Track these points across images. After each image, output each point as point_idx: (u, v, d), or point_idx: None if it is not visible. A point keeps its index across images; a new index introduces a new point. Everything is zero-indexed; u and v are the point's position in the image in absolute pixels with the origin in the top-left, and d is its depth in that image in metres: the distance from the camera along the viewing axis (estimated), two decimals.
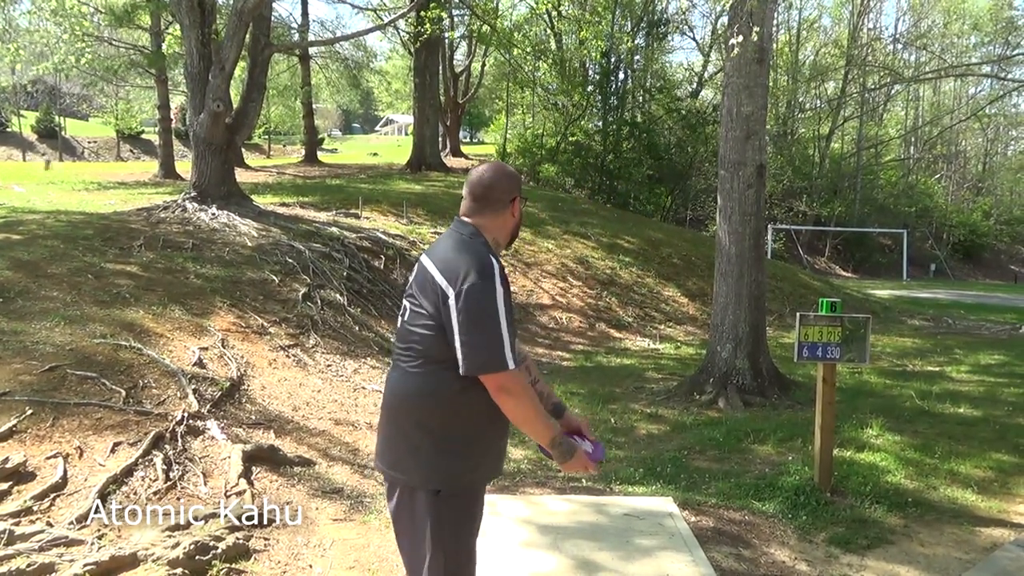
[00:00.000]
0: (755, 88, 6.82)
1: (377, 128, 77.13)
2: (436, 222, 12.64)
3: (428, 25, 14.42)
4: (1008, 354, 9.62)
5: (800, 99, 37.57)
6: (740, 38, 5.50)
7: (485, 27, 20.71)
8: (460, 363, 1.77)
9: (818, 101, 38.41)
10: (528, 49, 25.29)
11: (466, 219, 1.99)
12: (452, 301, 1.77)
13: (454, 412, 1.84)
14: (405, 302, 1.94)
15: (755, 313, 6.89)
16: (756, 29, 5.99)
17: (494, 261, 1.86)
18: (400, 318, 1.95)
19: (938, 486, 4.40)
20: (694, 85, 32.14)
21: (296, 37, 24.97)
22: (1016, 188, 46.21)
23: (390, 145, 49.30)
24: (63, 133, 43.71)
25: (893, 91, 38.65)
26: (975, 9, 41.67)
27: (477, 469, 1.90)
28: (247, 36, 10.63)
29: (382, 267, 9.47)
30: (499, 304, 1.79)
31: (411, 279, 1.97)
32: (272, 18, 13.78)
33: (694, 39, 39.56)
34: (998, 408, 6.37)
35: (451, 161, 26.44)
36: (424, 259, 1.95)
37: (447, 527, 1.85)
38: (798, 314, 4.20)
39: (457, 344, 1.77)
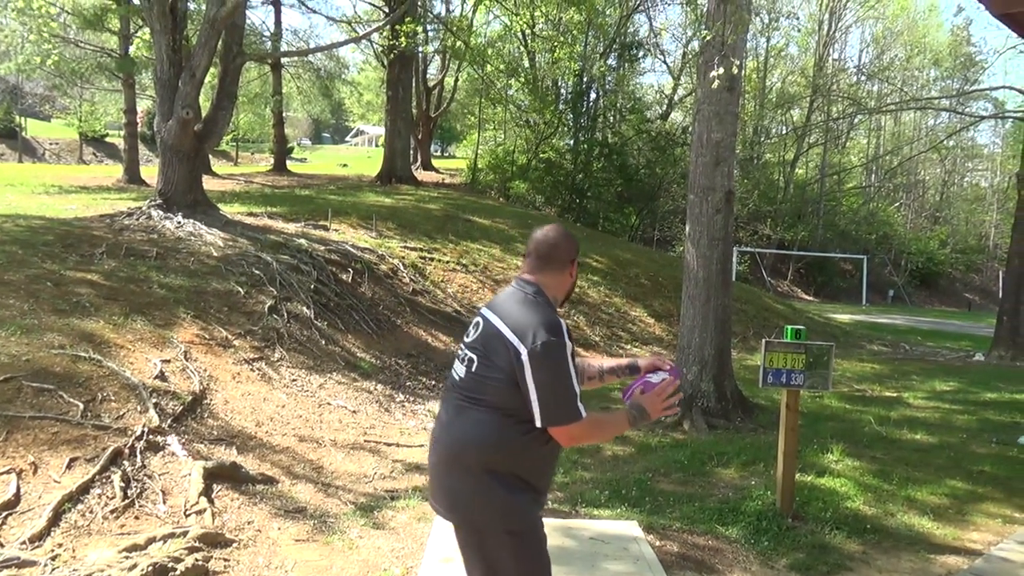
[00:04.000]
0: (725, 116, 6.96)
1: (348, 139, 76.78)
2: (406, 236, 12.61)
3: (403, 39, 14.47)
4: (962, 381, 9.89)
5: (767, 124, 38.45)
6: (719, 71, 5.61)
7: (459, 43, 20.82)
8: (537, 417, 1.89)
9: (784, 128, 39.37)
10: (501, 66, 25.47)
11: (529, 278, 2.12)
12: (525, 358, 1.88)
13: (522, 456, 1.95)
14: (470, 353, 2.02)
15: (721, 336, 6.99)
16: (735, 62, 6.12)
17: (560, 320, 1.97)
18: (464, 367, 2.03)
19: (896, 512, 4.49)
20: (664, 107, 32.69)
21: (269, 46, 24.81)
22: (971, 218, 47.79)
23: (360, 156, 49.08)
24: (23, 134, 42.68)
25: (856, 120, 39.83)
26: (936, 44, 43.22)
27: (540, 502, 2.04)
28: (219, 44, 10.56)
29: (350, 281, 9.40)
30: (569, 360, 1.92)
31: (474, 332, 2.06)
32: (245, 26, 13.68)
33: (665, 62, 40.36)
34: (953, 435, 6.54)
35: (422, 175, 26.44)
36: (488, 314, 2.05)
37: (532, 561, 1.98)
38: (764, 341, 4.27)
39: (533, 399, 1.88)
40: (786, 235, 34.93)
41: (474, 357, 2.00)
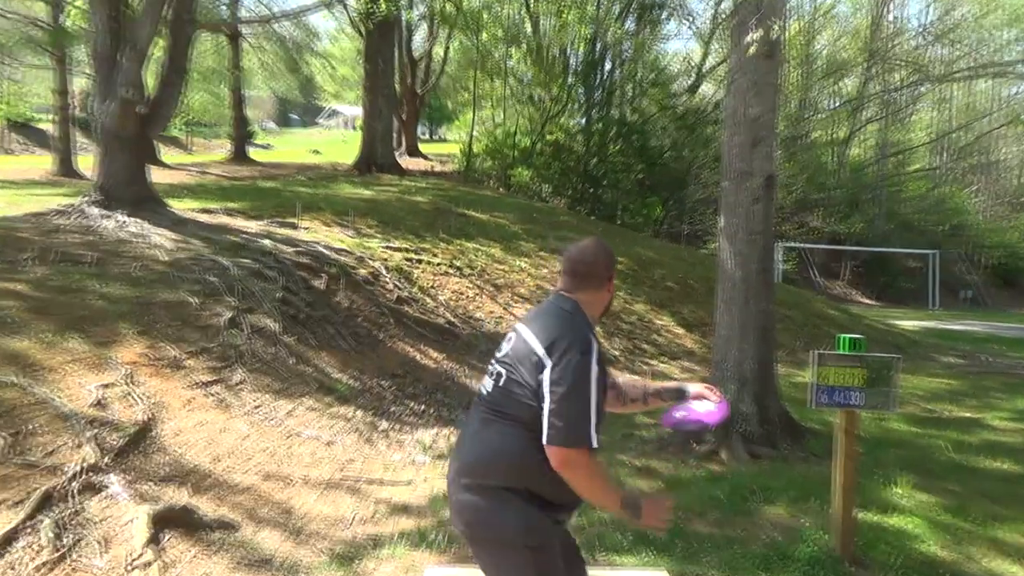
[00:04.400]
0: (764, 87, 6.94)
1: (319, 120, 76.98)
2: (389, 234, 12.61)
3: (383, 3, 14.54)
4: None
5: (814, 97, 38.42)
6: (752, 35, 5.60)
7: (449, 6, 20.91)
8: (544, 433, 2.10)
9: (835, 101, 39.32)
10: (499, 33, 25.60)
11: (567, 295, 2.37)
12: (548, 372, 2.13)
13: (541, 473, 2.15)
14: (499, 368, 2.30)
15: (763, 348, 6.96)
16: (775, 24, 6.11)
17: (593, 340, 2.20)
18: (492, 380, 2.32)
19: (976, 556, 4.46)
20: (692, 78, 32.70)
21: (225, 12, 24.92)
22: None
23: (334, 141, 49.23)
24: None
25: (920, 91, 39.74)
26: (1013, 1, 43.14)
27: (560, 519, 2.30)
28: (166, 11, 10.62)
29: (323, 288, 9.39)
30: (592, 382, 2.12)
31: (506, 346, 2.35)
32: None
33: (692, 25, 40.38)
34: None
35: (407, 162, 26.52)
36: (522, 328, 2.32)
37: (551, 573, 2.24)
38: (814, 353, 4.25)
39: (545, 413, 2.11)
40: (839, 227, 34.86)
41: (503, 371, 2.28)
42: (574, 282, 2.38)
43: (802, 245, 33.42)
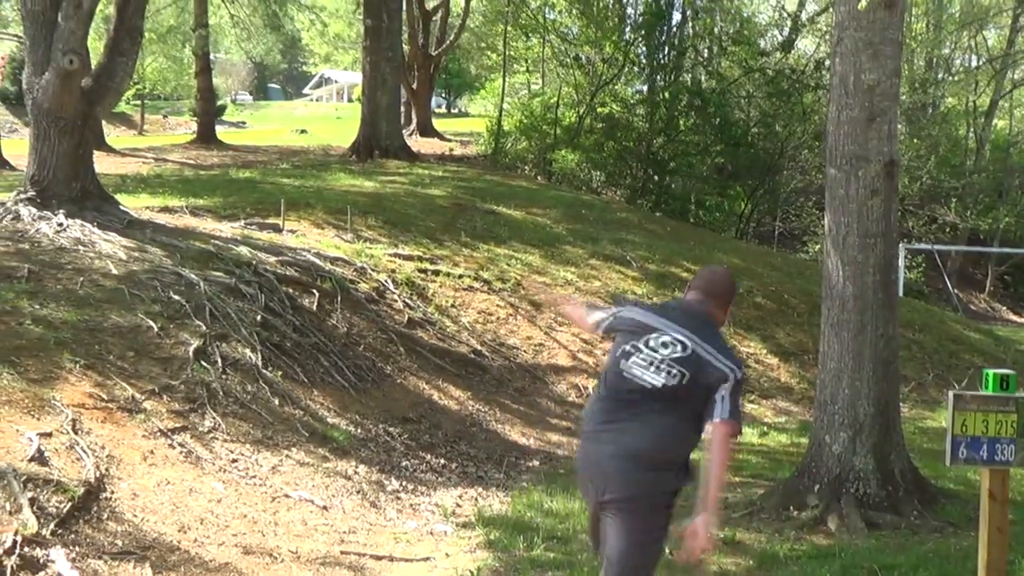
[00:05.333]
0: (882, 46, 6.91)
1: (306, 91, 77.77)
2: (397, 238, 12.73)
3: None
4: None
5: (946, 54, 38.02)
6: None
7: None
8: (725, 413, 3.42)
9: (974, 58, 38.84)
10: None
11: (709, 309, 3.71)
12: (731, 382, 3.45)
13: (692, 449, 3.59)
14: (679, 368, 3.47)
15: (883, 385, 6.91)
16: None
17: None
18: (668, 377, 3.47)
19: None
20: (786, 32, 32.59)
21: None
22: None
23: (326, 117, 49.72)
24: None
25: None
26: None
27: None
28: None
29: (315, 308, 9.50)
30: None
31: (676, 351, 3.51)
32: None
33: None
34: None
35: (419, 143, 26.72)
36: (689, 338, 3.52)
37: (672, 511, 3.57)
38: (951, 394, 4.23)
39: (727, 405, 3.43)
40: (981, 223, 34.31)
41: (685, 373, 3.44)
42: (711, 301, 3.71)
43: (932, 247, 32.96)
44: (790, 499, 6.84)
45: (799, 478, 7.02)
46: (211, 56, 31.49)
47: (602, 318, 3.94)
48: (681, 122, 24.86)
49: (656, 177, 25.04)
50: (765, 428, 10.10)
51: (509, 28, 29.16)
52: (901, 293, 17.44)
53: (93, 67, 10.85)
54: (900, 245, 23.78)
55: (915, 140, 32.65)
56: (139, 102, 44.52)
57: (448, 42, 32.93)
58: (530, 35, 29.10)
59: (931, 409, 10.97)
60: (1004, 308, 34.62)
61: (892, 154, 7.01)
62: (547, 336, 11.18)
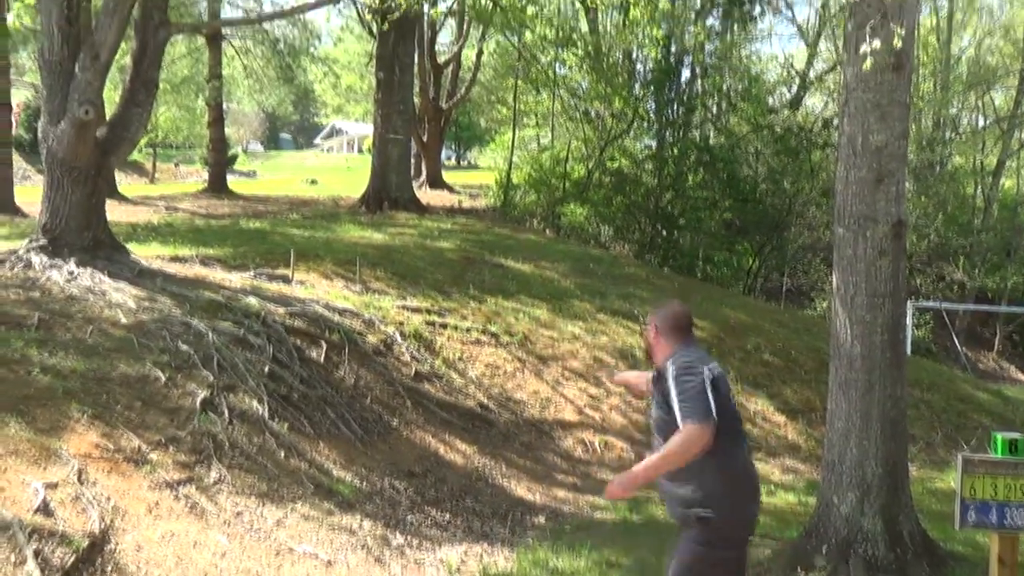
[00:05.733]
0: (890, 108, 6.97)
1: (317, 141, 78.45)
2: (405, 290, 12.77)
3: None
4: None
5: (953, 113, 38.27)
6: (874, 43, 5.65)
7: (483, 0, 21.32)
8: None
9: (981, 118, 39.07)
10: (547, 32, 25.92)
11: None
12: None
13: None
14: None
15: (891, 445, 6.88)
16: (900, 30, 6.11)
17: None
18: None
19: None
20: (794, 89, 32.88)
21: (204, 10, 25.73)
22: None
23: (336, 168, 50.12)
24: None
25: None
26: None
27: None
28: (134, 10, 10.94)
29: (323, 360, 9.52)
30: None
31: (725, 387, 4.20)
32: None
33: (794, 21, 40.53)
34: None
35: (428, 195, 26.90)
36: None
37: None
38: (959, 456, 4.23)
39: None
40: (989, 281, 34.33)
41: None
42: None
43: (940, 305, 32.92)
44: (798, 560, 6.79)
45: (807, 539, 6.97)
46: (224, 106, 31.78)
47: (705, 384, 4.05)
48: (690, 177, 24.98)
49: (664, 232, 25.11)
50: (772, 487, 10.03)
51: (520, 82, 29.44)
52: (909, 352, 17.41)
53: (108, 117, 10.98)
54: (908, 303, 23.78)
55: (923, 198, 32.77)
56: (151, 150, 44.97)
57: (459, 95, 33.33)
58: (540, 90, 29.36)
59: (940, 470, 10.89)
60: (1012, 367, 34.47)
61: (900, 215, 7.04)
62: (554, 391, 11.17)
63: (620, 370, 12.07)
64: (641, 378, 4.86)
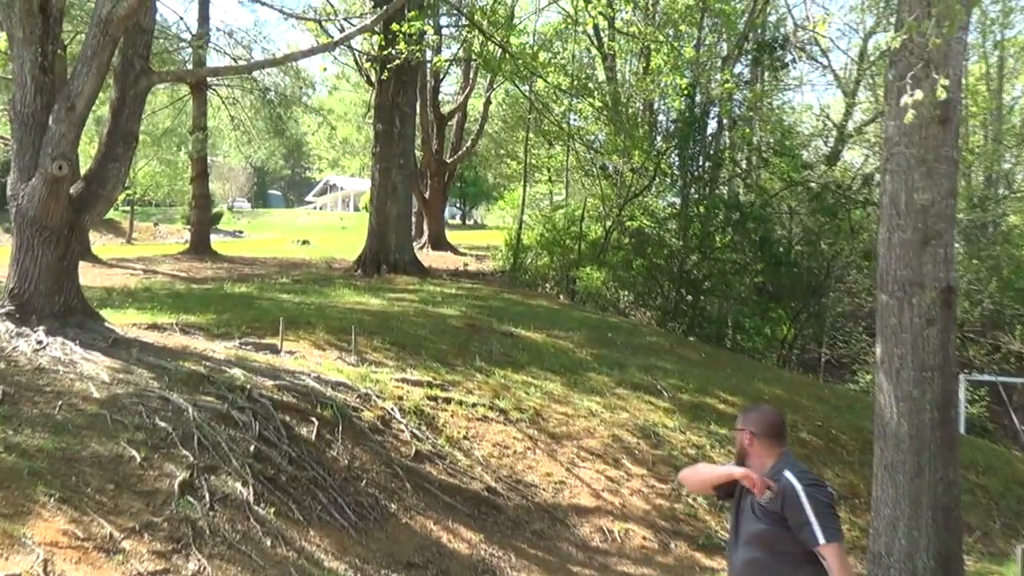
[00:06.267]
0: (936, 164, 7.01)
1: (310, 198, 79.03)
2: (405, 362, 12.77)
3: (402, 44, 15.09)
4: None
5: (1007, 168, 38.31)
6: (915, 95, 5.71)
7: (491, 46, 21.57)
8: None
9: None
10: (561, 81, 26.24)
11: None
12: None
13: None
14: None
15: (944, 535, 6.82)
16: (944, 80, 6.15)
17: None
18: None
19: None
20: (831, 142, 33.02)
21: (189, 56, 26.08)
22: None
23: (330, 227, 50.40)
24: None
25: None
26: None
27: None
28: (113, 58, 11.06)
29: (314, 438, 9.49)
30: None
31: None
32: (154, 29, 14.38)
33: (830, 67, 40.73)
34: None
35: (430, 258, 27.05)
36: None
37: None
38: (1019, 548, 4.20)
39: None
40: None
41: None
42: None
43: (996, 379, 32.70)
44: None
45: None
46: (208, 160, 31.87)
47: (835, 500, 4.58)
48: (717, 238, 25.04)
49: (690, 298, 25.13)
50: None
51: (531, 135, 29.71)
52: (962, 430, 17.30)
53: (83, 173, 11.02)
54: (960, 377, 23.60)
55: (974, 261, 32.67)
56: (129, 208, 45.20)
57: (464, 149, 33.62)
58: (553, 142, 29.68)
59: (999, 562, 10.75)
60: None
61: (949, 280, 7.03)
62: (568, 472, 11.10)
63: (643, 450, 12.02)
64: (717, 472, 4.88)
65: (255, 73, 29.67)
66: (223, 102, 31.46)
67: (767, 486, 4.22)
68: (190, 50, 26.82)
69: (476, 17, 21.69)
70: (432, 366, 12.81)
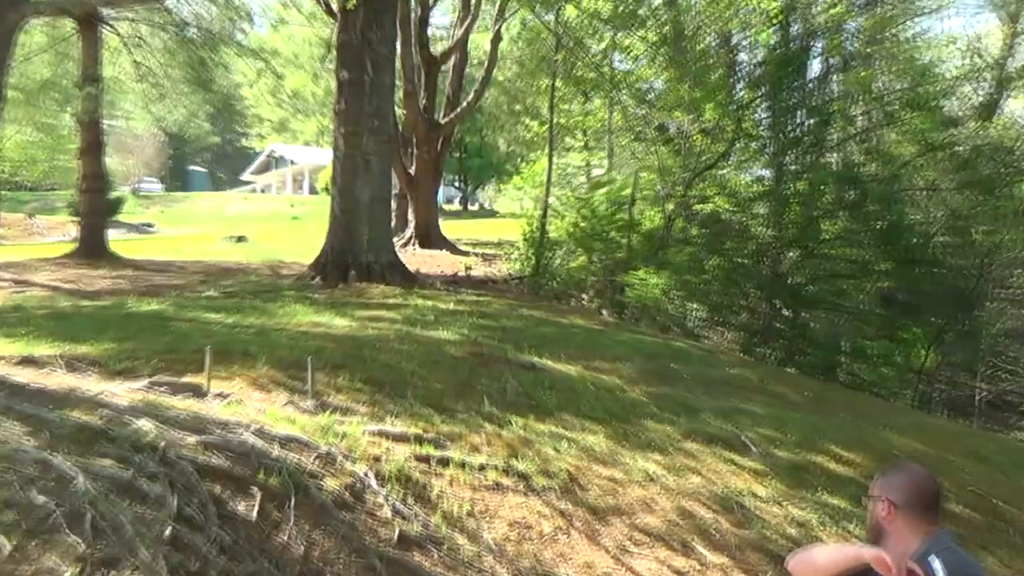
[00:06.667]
0: None
1: (247, 177, 79.17)
2: (382, 407, 12.75)
3: None
4: None
5: None
6: None
7: None
8: None
9: None
10: (599, 6, 26.19)
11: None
12: None
13: None
14: None
15: None
16: None
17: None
18: None
19: None
20: (985, 89, 32.89)
21: None
22: None
23: (276, 217, 50.52)
24: None
25: None
26: None
27: None
28: None
29: (255, 516, 9.49)
30: None
31: None
32: None
33: None
34: None
35: (418, 257, 27.10)
36: None
37: None
38: None
39: None
40: None
41: None
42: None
43: None
44: None
45: None
46: (103, 125, 31.77)
47: None
48: (825, 227, 24.97)
49: (787, 312, 25.09)
50: None
51: (558, 83, 29.58)
52: None
53: None
54: None
55: None
56: None
57: (465, 104, 33.50)
58: (590, 94, 29.59)
59: None
60: None
61: None
62: (618, 563, 11.07)
63: (723, 529, 11.97)
64: (842, 554, 4.62)
65: (168, 2, 29.70)
66: (124, 43, 31.42)
67: None
68: None
69: None
70: (422, 413, 12.79)
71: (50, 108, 35.34)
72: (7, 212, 46.73)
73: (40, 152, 40.47)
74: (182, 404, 11.42)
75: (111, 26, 30.07)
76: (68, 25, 29.17)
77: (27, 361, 12.47)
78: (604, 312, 23.88)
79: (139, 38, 31.77)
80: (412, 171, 30.88)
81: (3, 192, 45.58)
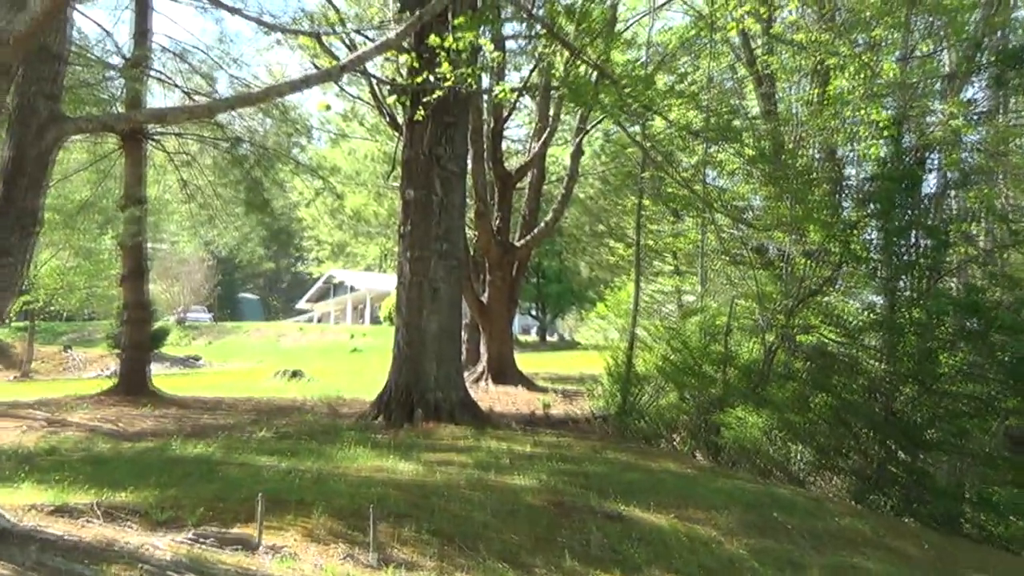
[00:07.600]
0: None
1: (303, 305, 79.73)
2: (451, 561, 12.69)
3: (445, 66, 15.26)
4: None
5: None
6: None
7: (582, 67, 21.72)
8: None
9: None
10: (691, 118, 26.29)
11: None
12: None
13: None
14: None
15: None
16: None
17: None
18: None
19: None
20: None
21: (120, 93, 26.42)
22: None
23: (335, 350, 50.70)
24: None
25: None
26: None
27: None
28: (9, 96, 11.32)
29: None
30: None
31: None
32: (68, 52, 14.65)
33: None
34: None
35: (491, 395, 27.06)
36: None
37: None
38: None
39: None
40: None
41: None
42: None
43: None
44: None
45: None
46: (146, 249, 31.65)
47: None
48: (944, 360, 24.76)
49: (903, 455, 24.79)
50: None
51: (645, 202, 29.71)
52: None
53: None
54: None
55: None
56: (25, 324, 45.73)
57: (542, 225, 33.58)
58: (681, 212, 29.65)
59: None
60: None
61: None
62: None
63: None
64: None
65: (220, 117, 29.88)
66: (170, 160, 31.57)
67: None
68: (121, 82, 27.21)
69: (558, 22, 21.74)
70: (496, 568, 12.73)
71: (90, 231, 35.59)
72: (41, 345, 47.13)
73: (78, 279, 40.79)
74: (231, 559, 11.41)
75: (157, 141, 30.34)
76: (110, 141, 29.44)
77: (61, 511, 12.52)
78: (697, 455, 23.73)
79: (187, 155, 31.97)
80: (484, 299, 30.94)
81: (38, 323, 45.87)
